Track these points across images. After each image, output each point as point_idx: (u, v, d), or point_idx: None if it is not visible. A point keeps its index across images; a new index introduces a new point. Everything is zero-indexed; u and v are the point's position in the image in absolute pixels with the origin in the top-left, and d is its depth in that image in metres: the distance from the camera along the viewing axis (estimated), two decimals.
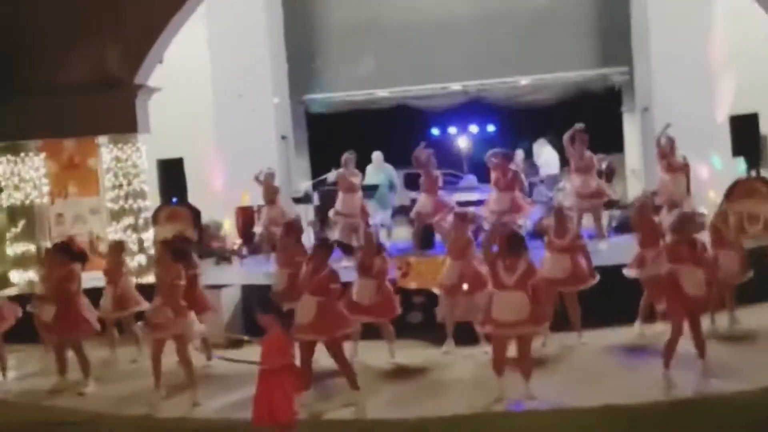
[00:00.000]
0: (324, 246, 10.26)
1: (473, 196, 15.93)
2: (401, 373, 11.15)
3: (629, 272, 11.99)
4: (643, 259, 11.76)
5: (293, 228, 11.91)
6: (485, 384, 9.74)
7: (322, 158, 18.69)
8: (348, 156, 14.95)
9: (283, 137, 18.42)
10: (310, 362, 9.91)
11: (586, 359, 11.15)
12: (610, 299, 12.14)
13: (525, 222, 15.75)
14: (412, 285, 12.58)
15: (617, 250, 14.12)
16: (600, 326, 12.08)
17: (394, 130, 18.73)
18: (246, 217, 16.27)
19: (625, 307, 12.19)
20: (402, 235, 16.60)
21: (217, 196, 17.00)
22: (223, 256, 15.89)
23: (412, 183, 15.69)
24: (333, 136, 18.96)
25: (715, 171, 16.78)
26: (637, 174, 19.36)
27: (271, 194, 14.97)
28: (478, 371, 10.65)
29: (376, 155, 16.96)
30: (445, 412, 9.20)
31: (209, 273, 14.74)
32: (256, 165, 15.76)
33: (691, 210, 14.45)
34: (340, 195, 14.89)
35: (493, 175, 14.67)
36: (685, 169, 14.75)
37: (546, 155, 18.09)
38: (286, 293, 11.08)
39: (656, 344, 11.15)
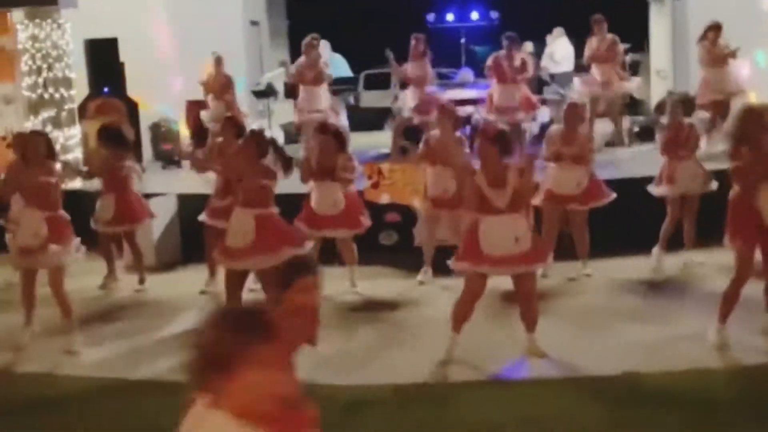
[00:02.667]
0: (257, 138, 7.53)
1: (469, 93, 13.22)
2: (360, 309, 8.61)
3: (657, 190, 9.27)
4: (673, 172, 9.06)
5: (231, 125, 9.13)
6: (465, 330, 7.12)
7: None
8: (311, 40, 12.16)
9: (254, 22, 15.57)
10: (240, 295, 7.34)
11: (591, 299, 8.62)
12: (625, 222, 9.63)
13: (531, 124, 13.06)
14: (385, 198, 9.94)
15: (639, 160, 11.48)
16: (609, 255, 9.55)
17: (385, 17, 15.90)
18: (199, 112, 13.40)
19: (644, 232, 9.64)
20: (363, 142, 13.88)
21: (170, 89, 14.14)
22: (171, 159, 13.19)
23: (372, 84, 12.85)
24: (316, 24, 16.12)
25: (758, 69, 13.85)
26: (663, 75, 16.56)
27: (217, 85, 12.12)
28: None
29: (323, 44, 14.05)
30: (404, 377, 6.64)
31: (150, 180, 12.20)
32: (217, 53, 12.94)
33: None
34: (302, 90, 12.15)
35: (495, 65, 11.89)
36: (729, 56, 11.85)
37: (561, 49, 15.19)
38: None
39: (680, 281, 8.98)
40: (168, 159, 13.37)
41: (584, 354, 6.95)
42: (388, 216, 10.09)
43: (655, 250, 9.40)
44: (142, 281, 9.59)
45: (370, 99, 17.89)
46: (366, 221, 9.06)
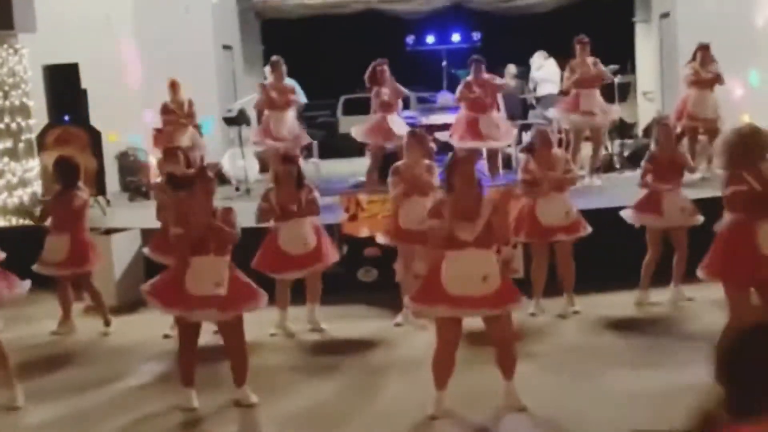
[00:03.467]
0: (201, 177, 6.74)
1: (449, 118, 12.42)
2: (333, 354, 7.77)
3: (640, 218, 8.68)
4: (659, 203, 8.41)
5: (170, 156, 8.34)
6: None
7: None
8: (278, 60, 11.43)
9: (226, 47, 14.86)
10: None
11: (580, 340, 7.87)
12: (614, 253, 9.02)
13: (515, 149, 12.38)
14: (363, 232, 9.22)
15: (621, 189, 10.81)
16: (597, 290, 8.91)
17: (363, 40, 15.24)
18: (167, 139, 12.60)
19: (634, 264, 8.92)
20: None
21: (137, 117, 13.35)
22: (139, 191, 12.40)
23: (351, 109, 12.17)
24: (291, 48, 15.42)
25: (751, 89, 13.24)
26: (650, 97, 16.00)
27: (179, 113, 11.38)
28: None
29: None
30: None
31: (116, 213, 11.44)
32: (188, 79, 12.18)
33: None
34: (266, 114, 11.40)
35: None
36: (715, 81, 11.24)
37: (546, 69, 14.50)
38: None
39: (675, 319, 8.34)
40: (135, 191, 12.59)
41: (575, 409, 6.15)
42: (367, 251, 9.36)
43: (638, 293, 8.70)
44: (107, 323, 8.81)
45: (349, 125, 17.20)
46: (334, 253, 8.39)
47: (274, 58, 11.72)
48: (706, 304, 8.08)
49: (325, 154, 16.93)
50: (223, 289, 6.28)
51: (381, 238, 8.47)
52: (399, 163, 8.52)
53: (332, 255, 8.33)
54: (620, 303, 8.66)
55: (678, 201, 8.48)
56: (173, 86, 11.51)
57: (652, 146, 8.94)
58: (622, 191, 10.87)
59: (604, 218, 8.96)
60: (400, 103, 12.16)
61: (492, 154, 11.90)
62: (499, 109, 11.97)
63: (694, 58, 11.37)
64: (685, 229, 8.49)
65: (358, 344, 7.93)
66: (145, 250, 8.45)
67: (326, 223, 9.37)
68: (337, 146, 17.34)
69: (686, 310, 8.38)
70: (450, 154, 12.00)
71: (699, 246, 7.09)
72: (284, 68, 11.51)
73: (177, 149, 8.60)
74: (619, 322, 8.12)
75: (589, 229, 8.42)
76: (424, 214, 7.69)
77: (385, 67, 11.68)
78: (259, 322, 7.62)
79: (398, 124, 11.64)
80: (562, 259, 8.48)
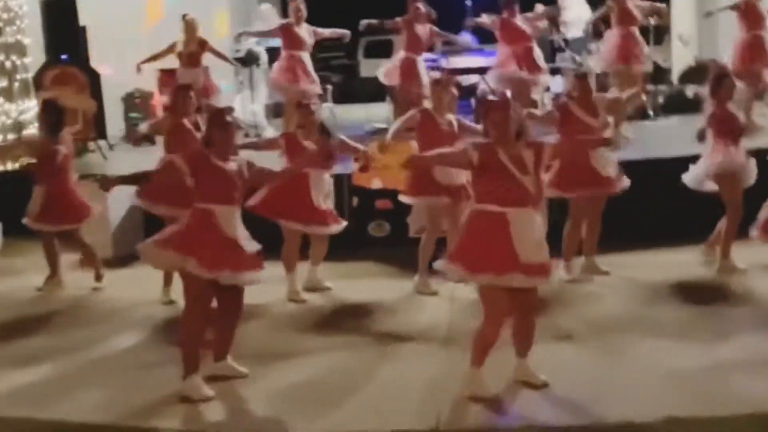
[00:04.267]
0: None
1: (474, 62, 11.57)
2: (339, 319, 7.04)
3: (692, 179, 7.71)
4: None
5: (182, 95, 7.57)
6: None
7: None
8: (296, 4, 10.52)
9: None
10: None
11: (608, 309, 7.01)
12: (647, 210, 8.36)
13: (543, 95, 11.52)
14: (375, 183, 8.45)
15: (655, 139, 9.95)
16: (629, 250, 8.16)
17: None
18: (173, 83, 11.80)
19: (670, 222, 8.34)
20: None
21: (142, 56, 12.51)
22: (140, 136, 11.58)
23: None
24: None
25: None
26: (686, 40, 14.95)
27: (187, 50, 10.47)
28: (459, 322, 6.51)
29: (265, 8, 12.28)
30: (390, 423, 5.07)
31: (118, 159, 10.72)
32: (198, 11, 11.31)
33: None
34: (286, 55, 10.52)
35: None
36: None
37: (575, 10, 13.50)
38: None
39: (721, 285, 7.38)
40: (133, 135, 11.81)
41: (605, 391, 5.36)
42: (378, 203, 8.61)
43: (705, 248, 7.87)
44: (98, 278, 8.13)
45: (371, 68, 16.35)
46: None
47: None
48: (757, 268, 7.28)
49: (343, 99, 16.22)
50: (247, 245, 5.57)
51: (404, 197, 7.68)
52: (419, 110, 7.72)
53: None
54: (655, 265, 7.84)
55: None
56: (188, 26, 10.59)
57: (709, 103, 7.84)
58: (656, 142, 10.07)
59: (638, 172, 8.13)
60: None
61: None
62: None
63: None
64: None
65: (364, 308, 7.20)
66: (135, 199, 7.70)
67: (335, 173, 8.68)
68: (357, 90, 16.55)
69: (736, 278, 7.48)
70: (480, 98, 11.41)
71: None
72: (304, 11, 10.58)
73: (189, 88, 7.79)
74: (656, 288, 7.28)
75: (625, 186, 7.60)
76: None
77: (420, 4, 10.73)
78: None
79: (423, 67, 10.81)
80: (590, 216, 7.67)
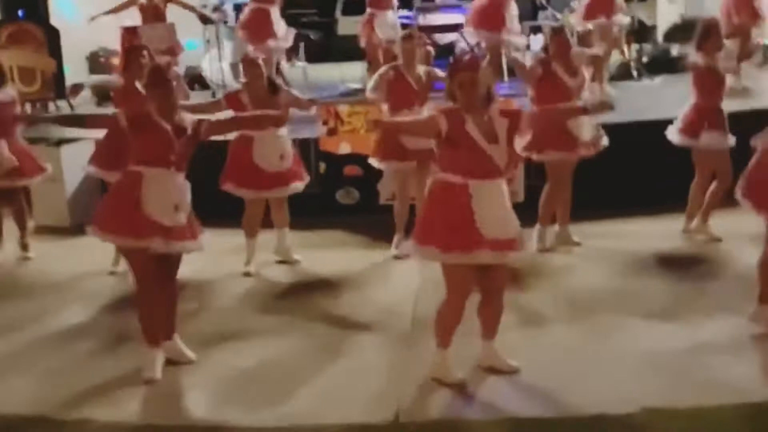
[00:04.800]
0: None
1: (452, 18, 11.03)
2: (305, 293, 6.58)
3: (678, 137, 7.23)
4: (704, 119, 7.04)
5: (134, 55, 7.03)
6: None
7: None
8: None
9: None
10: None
11: (582, 282, 6.56)
12: (632, 175, 7.96)
13: (524, 54, 10.98)
14: (344, 148, 7.99)
15: (640, 99, 9.47)
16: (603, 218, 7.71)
17: None
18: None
19: (652, 187, 7.92)
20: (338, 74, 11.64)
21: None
22: (107, 96, 11.07)
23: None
24: None
25: None
26: None
27: (150, 3, 9.85)
28: (428, 298, 5.97)
29: None
30: (356, 413, 4.66)
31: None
32: None
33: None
34: (252, 8, 9.95)
35: None
36: None
37: None
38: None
39: (704, 256, 7.00)
40: (103, 95, 11.28)
41: (578, 377, 4.95)
42: (347, 169, 8.13)
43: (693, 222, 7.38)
44: (24, 247, 7.67)
45: (349, 26, 15.76)
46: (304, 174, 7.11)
47: None
48: (742, 238, 6.79)
49: (320, 57, 15.64)
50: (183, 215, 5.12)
51: (374, 161, 7.22)
52: (386, 68, 7.25)
53: (305, 174, 7.11)
54: (633, 235, 7.42)
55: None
56: None
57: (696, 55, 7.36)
58: (641, 102, 9.60)
59: (621, 134, 7.67)
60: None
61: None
62: None
63: None
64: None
65: (326, 283, 6.74)
66: (88, 167, 7.21)
67: (301, 137, 8.21)
68: (334, 49, 15.95)
69: (722, 247, 7.08)
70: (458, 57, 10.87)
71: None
72: None
73: (141, 48, 7.24)
74: (634, 261, 6.84)
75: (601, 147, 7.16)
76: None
77: None
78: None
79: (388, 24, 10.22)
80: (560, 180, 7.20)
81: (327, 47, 16.52)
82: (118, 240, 5.17)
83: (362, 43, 10.73)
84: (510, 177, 5.10)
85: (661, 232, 7.41)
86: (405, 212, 7.22)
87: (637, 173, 8.04)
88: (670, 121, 7.52)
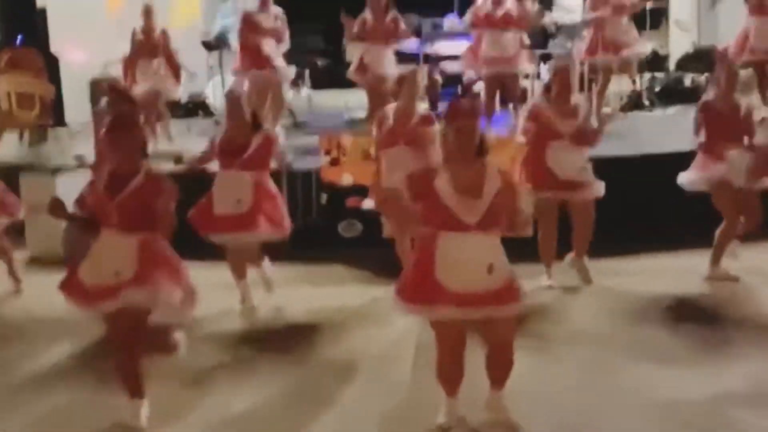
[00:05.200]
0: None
1: (458, 46, 10.77)
2: (288, 338, 6.22)
3: (689, 180, 6.89)
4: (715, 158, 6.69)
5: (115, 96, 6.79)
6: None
7: None
8: None
9: None
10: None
11: (593, 326, 6.21)
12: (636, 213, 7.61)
13: (533, 83, 10.72)
14: (346, 179, 7.69)
15: (652, 131, 9.16)
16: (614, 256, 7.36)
17: None
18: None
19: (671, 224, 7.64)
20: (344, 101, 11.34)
21: (106, 42, 11.66)
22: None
23: None
24: None
25: None
26: (684, 26, 14.14)
27: (145, 38, 9.61)
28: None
29: None
30: None
31: (80, 149, 9.91)
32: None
33: None
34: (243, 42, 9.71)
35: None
36: None
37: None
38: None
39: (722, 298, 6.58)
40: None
41: (577, 420, 4.67)
42: (350, 201, 7.80)
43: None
44: (14, 280, 7.40)
45: (357, 52, 15.56)
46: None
47: None
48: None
49: (328, 84, 15.42)
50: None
51: (368, 203, 6.92)
52: (386, 108, 6.95)
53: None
54: (651, 273, 7.11)
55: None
56: (146, 12, 9.73)
57: (709, 92, 7.04)
58: (653, 134, 9.31)
59: (633, 168, 7.39)
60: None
61: (497, 82, 9.66)
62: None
63: None
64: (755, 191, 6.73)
65: (328, 320, 6.43)
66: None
67: (304, 168, 7.95)
68: (342, 75, 15.75)
69: (739, 287, 6.74)
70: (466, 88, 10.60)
71: None
72: None
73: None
74: (650, 300, 6.51)
75: (601, 192, 6.80)
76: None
77: None
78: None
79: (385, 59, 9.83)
80: (578, 218, 6.87)
81: (335, 74, 16.33)
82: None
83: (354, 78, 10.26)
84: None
85: (676, 271, 7.08)
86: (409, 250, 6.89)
87: (651, 208, 7.73)
88: (683, 154, 7.23)
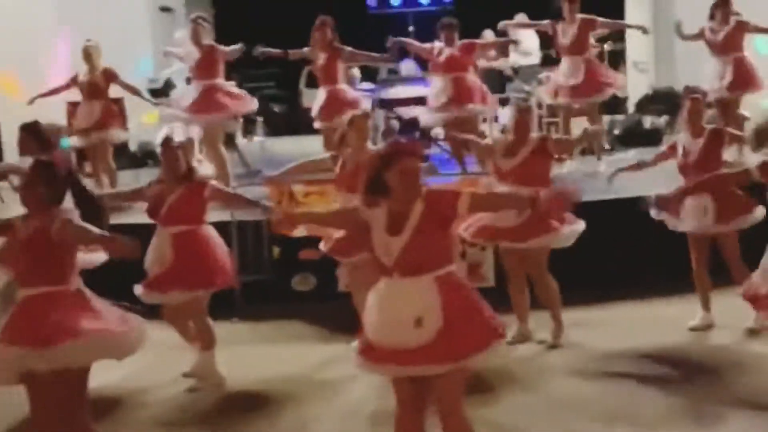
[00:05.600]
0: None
1: (415, 91, 10.47)
2: (235, 410, 5.70)
3: (674, 224, 6.50)
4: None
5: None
6: None
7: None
8: (194, 18, 9.04)
9: (165, 9, 12.81)
10: None
11: (575, 387, 5.72)
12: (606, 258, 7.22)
13: (491, 127, 10.45)
14: (299, 231, 7.25)
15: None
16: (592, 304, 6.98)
17: (322, 4, 13.13)
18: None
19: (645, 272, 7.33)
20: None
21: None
22: None
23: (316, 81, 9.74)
24: (245, 13, 13.51)
25: (759, 57, 11.29)
26: (642, 67, 14.07)
27: (87, 80, 9.04)
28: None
29: (180, 36, 10.41)
30: None
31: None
32: (117, 47, 10.10)
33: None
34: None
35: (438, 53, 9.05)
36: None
37: (527, 41, 12.43)
38: None
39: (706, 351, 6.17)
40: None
41: None
42: (302, 253, 7.40)
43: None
44: None
45: (313, 97, 15.26)
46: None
47: (192, 15, 9.34)
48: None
49: (284, 131, 15.11)
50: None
51: (324, 246, 6.47)
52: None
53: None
54: (624, 322, 6.72)
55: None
56: (86, 54, 9.21)
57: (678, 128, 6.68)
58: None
59: (598, 211, 7.06)
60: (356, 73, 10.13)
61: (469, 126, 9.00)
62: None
63: (712, 17, 9.21)
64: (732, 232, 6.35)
65: (285, 384, 5.95)
66: None
67: (253, 219, 7.53)
68: (300, 122, 15.44)
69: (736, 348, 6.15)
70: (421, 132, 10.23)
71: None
72: (207, 26, 8.99)
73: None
74: (632, 358, 6.03)
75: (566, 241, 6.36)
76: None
77: (326, 25, 9.01)
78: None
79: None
80: (535, 274, 6.40)
81: (291, 120, 16.02)
82: None
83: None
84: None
85: (651, 320, 6.70)
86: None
87: (620, 253, 7.41)
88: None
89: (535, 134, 6.55)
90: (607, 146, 10.53)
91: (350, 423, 5.26)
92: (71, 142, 9.39)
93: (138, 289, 5.75)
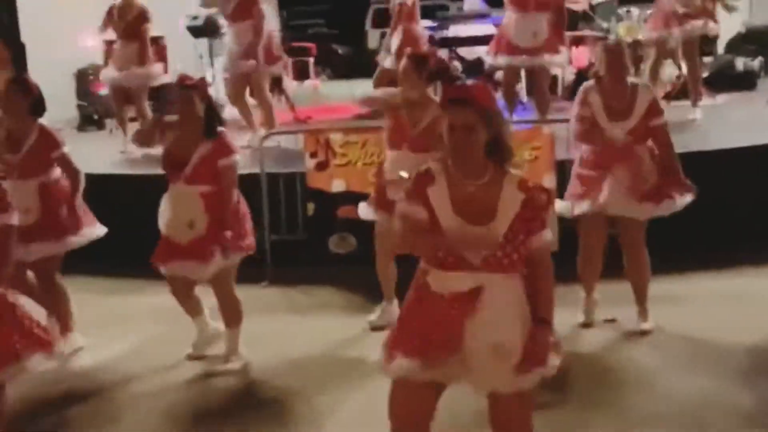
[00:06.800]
0: None
1: (481, 29, 9.38)
2: (250, 396, 4.81)
3: None
4: None
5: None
6: None
7: None
8: None
9: None
10: None
11: (666, 379, 4.66)
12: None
13: (564, 71, 9.32)
14: (338, 186, 6.34)
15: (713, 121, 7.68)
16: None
17: None
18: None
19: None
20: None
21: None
22: (91, 119, 9.72)
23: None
24: None
25: None
26: (734, 5, 12.63)
27: (123, 20, 8.14)
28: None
29: None
30: None
31: None
32: None
33: None
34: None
35: None
36: None
37: None
38: None
39: None
40: (86, 118, 9.85)
41: None
42: (341, 211, 6.43)
43: None
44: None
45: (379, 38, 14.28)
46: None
47: None
48: None
49: (349, 73, 14.24)
50: None
51: (364, 210, 5.51)
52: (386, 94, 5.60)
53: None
54: (707, 298, 5.65)
55: None
56: None
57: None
58: (703, 125, 7.88)
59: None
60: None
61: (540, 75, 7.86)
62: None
63: None
64: None
65: (309, 363, 5.06)
66: None
67: (286, 172, 6.64)
68: (364, 64, 14.49)
69: None
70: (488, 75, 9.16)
71: None
72: None
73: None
74: (715, 338, 5.00)
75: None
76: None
77: None
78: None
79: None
80: (628, 238, 5.28)
81: (356, 62, 15.12)
82: None
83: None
84: None
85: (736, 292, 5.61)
86: (391, 271, 5.48)
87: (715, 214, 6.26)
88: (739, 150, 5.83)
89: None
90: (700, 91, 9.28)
91: (369, 416, 4.31)
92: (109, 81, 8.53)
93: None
